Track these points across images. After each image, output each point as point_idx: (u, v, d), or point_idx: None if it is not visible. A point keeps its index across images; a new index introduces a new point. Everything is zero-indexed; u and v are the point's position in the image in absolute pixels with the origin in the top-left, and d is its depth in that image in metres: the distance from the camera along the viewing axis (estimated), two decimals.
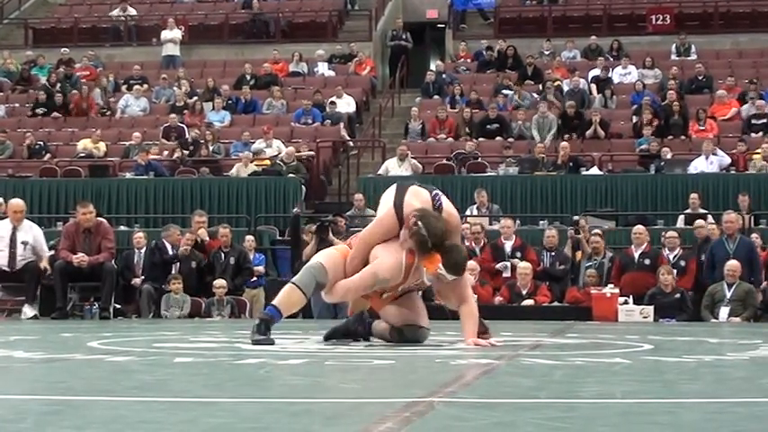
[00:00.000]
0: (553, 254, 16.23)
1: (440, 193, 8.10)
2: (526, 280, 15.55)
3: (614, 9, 28.34)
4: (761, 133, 21.25)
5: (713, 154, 19.87)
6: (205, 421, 3.75)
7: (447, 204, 8.07)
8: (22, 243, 14.35)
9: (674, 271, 15.44)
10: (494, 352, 7.31)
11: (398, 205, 7.86)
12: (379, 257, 7.83)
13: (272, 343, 7.68)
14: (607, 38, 26.65)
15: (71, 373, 5.81)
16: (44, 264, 14.25)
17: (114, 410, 4.02)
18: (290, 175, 20.36)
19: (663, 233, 16.44)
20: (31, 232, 14.55)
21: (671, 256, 15.76)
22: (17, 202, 14.82)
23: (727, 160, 19.90)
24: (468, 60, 27.06)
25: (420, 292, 8.44)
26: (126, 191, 20.06)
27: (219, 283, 15.35)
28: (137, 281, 15.70)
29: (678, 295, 15.02)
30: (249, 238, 17.04)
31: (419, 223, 7.56)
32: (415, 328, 8.03)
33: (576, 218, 17.01)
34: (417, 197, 7.96)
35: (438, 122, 22.92)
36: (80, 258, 14.02)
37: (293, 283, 7.95)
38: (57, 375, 5.76)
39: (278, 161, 20.90)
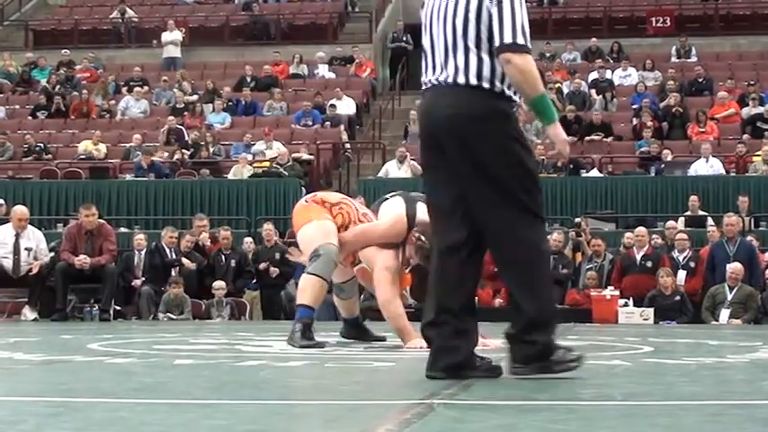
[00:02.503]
0: (556, 257, 16.15)
1: None
2: None
3: (614, 11, 28.32)
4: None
5: (712, 156, 19.83)
6: (205, 423, 3.75)
7: None
8: (26, 249, 14.34)
9: (684, 272, 15.44)
10: (493, 353, 7.30)
11: (411, 216, 7.87)
12: (373, 255, 7.93)
13: (323, 346, 7.69)
14: (607, 40, 26.64)
15: (71, 375, 5.81)
16: (36, 268, 14.21)
17: (114, 412, 4.02)
18: (285, 174, 20.32)
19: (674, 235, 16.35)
20: (34, 238, 14.54)
21: (680, 258, 15.73)
22: (21, 210, 14.77)
23: (722, 170, 19.74)
24: None
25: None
26: (126, 192, 20.03)
27: (218, 284, 15.34)
28: (137, 282, 15.70)
29: (678, 297, 15.01)
30: (249, 239, 17.02)
31: (422, 238, 7.62)
32: None
33: (577, 219, 16.97)
34: (426, 214, 8.12)
35: None
36: (82, 260, 14.03)
37: (314, 274, 7.87)
38: (57, 377, 5.76)
39: (275, 163, 20.87)
